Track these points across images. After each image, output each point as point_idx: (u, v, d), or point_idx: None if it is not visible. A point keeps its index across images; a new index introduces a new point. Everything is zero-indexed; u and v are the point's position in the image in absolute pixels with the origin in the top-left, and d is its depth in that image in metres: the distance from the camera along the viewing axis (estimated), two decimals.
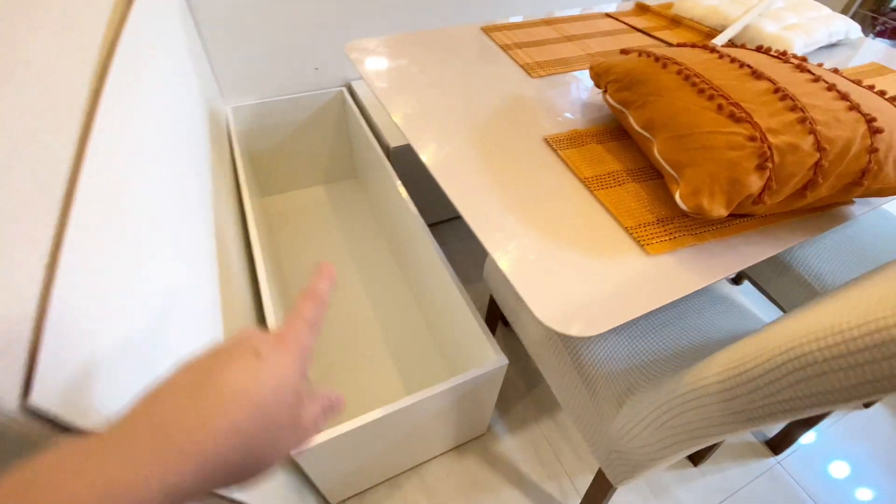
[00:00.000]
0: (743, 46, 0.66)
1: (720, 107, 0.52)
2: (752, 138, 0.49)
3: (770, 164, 0.48)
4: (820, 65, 0.62)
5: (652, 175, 0.62)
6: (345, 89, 1.37)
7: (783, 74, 0.55)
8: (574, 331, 0.43)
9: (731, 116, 0.51)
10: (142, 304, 0.39)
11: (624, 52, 0.70)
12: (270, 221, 1.45)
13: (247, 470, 0.21)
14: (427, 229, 0.94)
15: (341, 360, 1.09)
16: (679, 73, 0.58)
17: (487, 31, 0.98)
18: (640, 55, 0.65)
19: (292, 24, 1.20)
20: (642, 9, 1.10)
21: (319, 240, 1.39)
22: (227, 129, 1.22)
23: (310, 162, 1.51)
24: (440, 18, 1.32)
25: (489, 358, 0.76)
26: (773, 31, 0.91)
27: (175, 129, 0.64)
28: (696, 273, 0.50)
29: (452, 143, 0.67)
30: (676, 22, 1.03)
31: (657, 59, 0.62)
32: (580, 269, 0.50)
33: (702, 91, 0.54)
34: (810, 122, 0.49)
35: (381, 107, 0.74)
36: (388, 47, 0.90)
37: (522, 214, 0.56)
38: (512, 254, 0.51)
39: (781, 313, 1.14)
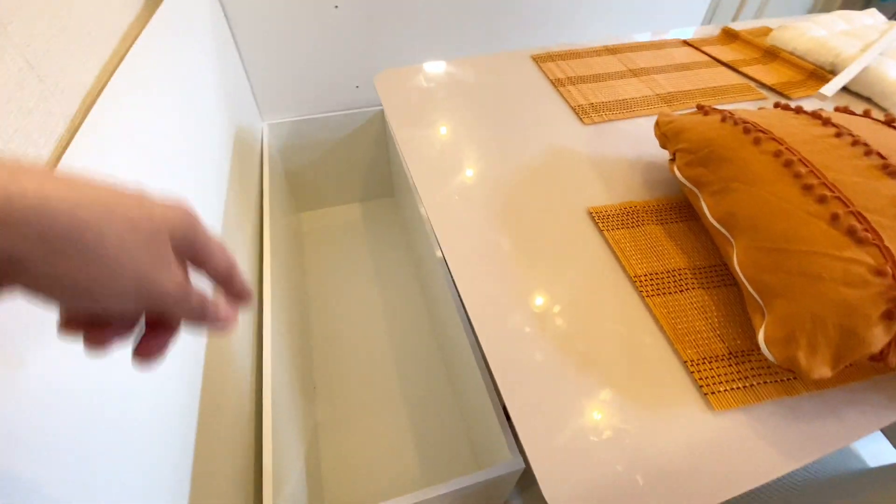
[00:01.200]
0: (867, 114, 0.50)
1: (835, 216, 0.38)
2: (880, 272, 0.35)
3: None
4: None
5: (727, 279, 0.48)
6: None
7: None
8: None
9: (851, 234, 0.37)
10: None
11: (702, 109, 0.56)
12: (303, 238, 1.41)
13: (83, 257, 0.17)
14: (453, 287, 0.84)
15: (352, 401, 1.02)
16: (777, 154, 0.44)
17: (539, 59, 0.86)
18: (723, 119, 0.51)
19: (335, 42, 1.13)
20: (729, 36, 0.93)
21: (348, 264, 1.33)
22: (260, 146, 1.18)
23: (348, 179, 1.45)
24: (498, 39, 1.20)
25: (504, 457, 0.65)
26: None
27: (181, 143, 0.62)
28: (780, 448, 0.36)
29: (469, 202, 0.56)
30: (772, 55, 0.86)
31: (747, 129, 0.48)
32: (614, 422, 0.38)
33: (809, 188, 0.40)
34: None
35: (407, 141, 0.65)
36: (422, 79, 0.80)
37: (542, 316, 0.44)
38: (519, 384, 0.40)
39: (882, 437, 0.94)
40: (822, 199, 0.39)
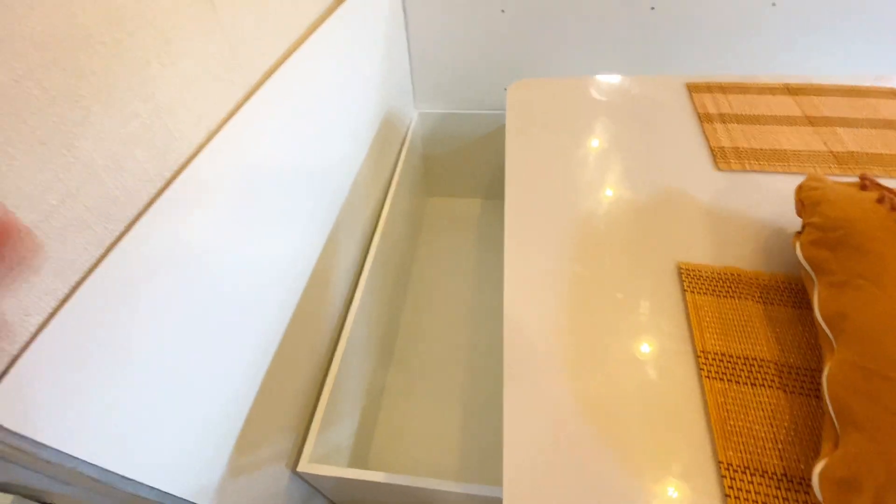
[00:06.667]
0: None
1: None
2: None
3: None
4: None
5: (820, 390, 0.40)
6: None
7: None
8: None
9: None
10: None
11: (864, 180, 0.46)
12: (423, 220, 1.51)
13: None
14: None
15: (421, 379, 1.08)
16: None
17: (693, 89, 0.78)
18: (880, 200, 0.41)
19: (493, 44, 1.17)
20: None
21: (455, 254, 1.38)
22: (406, 131, 1.29)
23: (476, 175, 1.51)
24: (671, 62, 1.11)
25: None
26: None
27: (335, 116, 0.75)
28: None
29: (551, 223, 0.55)
30: None
31: None
32: (614, 492, 0.35)
33: None
34: None
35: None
36: (555, 92, 0.79)
37: (576, 357, 0.42)
38: (525, 413, 0.39)
39: None
40: None
